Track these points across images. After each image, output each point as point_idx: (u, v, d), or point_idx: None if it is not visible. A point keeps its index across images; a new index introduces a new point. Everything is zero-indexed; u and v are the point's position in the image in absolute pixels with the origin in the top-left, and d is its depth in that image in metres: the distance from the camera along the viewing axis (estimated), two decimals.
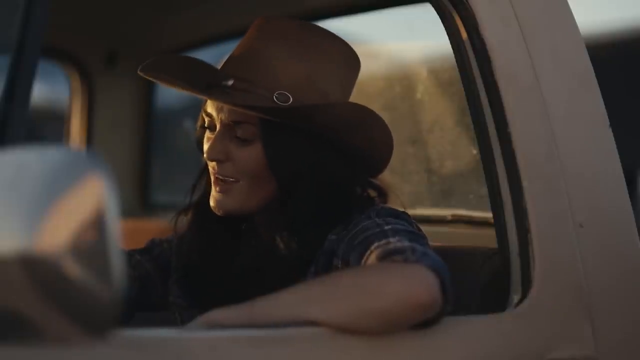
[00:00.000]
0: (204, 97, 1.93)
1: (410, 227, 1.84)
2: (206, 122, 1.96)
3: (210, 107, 1.94)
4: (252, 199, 1.93)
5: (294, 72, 1.92)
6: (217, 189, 1.93)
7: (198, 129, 2.03)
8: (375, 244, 1.77)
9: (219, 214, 1.94)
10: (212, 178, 1.94)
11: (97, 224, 1.27)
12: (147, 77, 1.95)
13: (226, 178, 1.92)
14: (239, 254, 1.98)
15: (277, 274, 1.89)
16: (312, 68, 1.93)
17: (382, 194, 2.00)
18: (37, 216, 1.25)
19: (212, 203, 1.94)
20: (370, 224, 1.83)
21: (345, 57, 1.98)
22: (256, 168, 1.91)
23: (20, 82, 1.51)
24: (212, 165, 1.94)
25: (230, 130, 1.92)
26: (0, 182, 1.28)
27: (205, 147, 1.95)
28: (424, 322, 1.68)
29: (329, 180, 1.91)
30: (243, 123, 1.91)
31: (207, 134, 1.96)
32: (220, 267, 1.98)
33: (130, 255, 2.10)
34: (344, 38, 2.01)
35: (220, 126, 1.93)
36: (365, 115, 1.91)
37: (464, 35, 1.95)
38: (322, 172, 1.91)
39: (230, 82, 1.91)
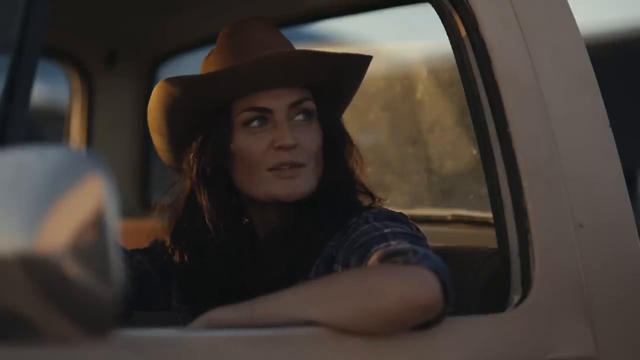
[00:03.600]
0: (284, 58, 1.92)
1: (409, 228, 1.84)
2: (250, 121, 1.93)
3: (264, 99, 1.93)
4: (314, 181, 1.95)
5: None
6: (285, 175, 1.92)
7: (202, 144, 2.01)
8: (375, 247, 1.77)
9: (288, 200, 1.92)
10: (275, 169, 1.92)
11: (97, 224, 1.27)
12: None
13: (298, 163, 1.92)
14: (241, 258, 1.97)
15: (278, 278, 1.89)
16: None
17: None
18: (37, 216, 1.25)
19: (279, 192, 1.92)
20: (369, 228, 1.83)
21: None
22: (318, 146, 1.96)
23: (20, 82, 1.51)
24: (275, 156, 1.92)
25: (291, 114, 1.94)
26: (0, 182, 1.28)
27: (255, 145, 1.92)
28: (425, 323, 1.68)
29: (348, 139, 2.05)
30: (305, 100, 1.95)
31: (253, 132, 1.93)
32: (223, 273, 1.97)
33: (131, 255, 2.09)
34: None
35: (283, 113, 1.93)
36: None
37: (464, 35, 1.95)
38: (348, 141, 2.03)
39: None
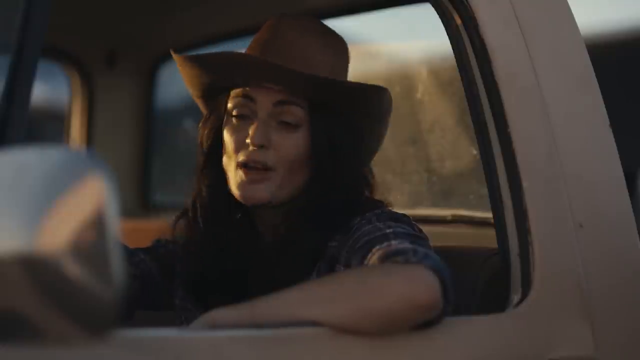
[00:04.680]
0: (265, 65, 1.90)
1: (412, 229, 1.84)
2: (236, 111, 1.94)
3: (254, 90, 1.93)
4: (284, 190, 1.93)
5: (325, 62, 1.97)
6: (249, 177, 1.91)
7: (204, 122, 2.03)
8: (377, 247, 1.77)
9: (247, 204, 1.92)
10: (242, 167, 1.91)
11: (97, 224, 1.27)
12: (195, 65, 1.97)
13: (265, 165, 1.90)
14: (244, 257, 1.97)
15: (281, 278, 1.89)
16: (335, 60, 2.00)
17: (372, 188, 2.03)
18: (37, 216, 1.25)
19: (239, 192, 1.91)
20: (372, 228, 1.83)
21: (347, 51, 2.05)
22: (297, 156, 1.92)
23: (20, 82, 1.51)
24: (245, 153, 1.91)
25: (275, 114, 1.92)
26: (0, 182, 1.28)
27: (234, 136, 1.93)
28: (425, 322, 1.68)
29: (355, 167, 1.98)
30: (291, 105, 1.92)
31: (237, 122, 1.94)
32: (224, 270, 1.98)
33: (134, 253, 2.09)
34: (344, 38, 2.03)
35: (266, 110, 1.92)
36: (386, 96, 1.99)
37: (464, 35, 1.95)
38: (352, 158, 1.97)
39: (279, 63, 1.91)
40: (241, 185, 1.92)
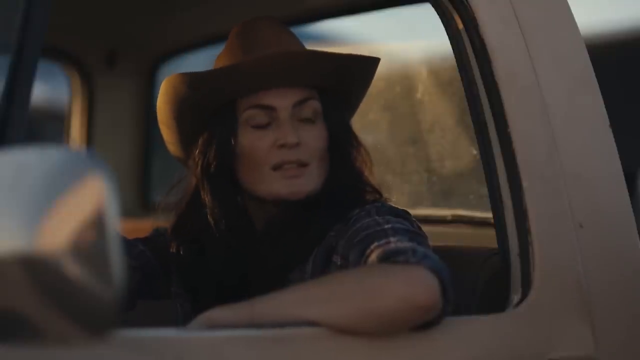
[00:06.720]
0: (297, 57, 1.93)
1: (411, 226, 1.84)
2: (256, 121, 1.94)
3: (269, 97, 1.94)
4: (319, 181, 1.95)
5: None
6: (289, 174, 1.92)
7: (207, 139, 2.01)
8: (375, 244, 1.77)
9: (291, 199, 1.92)
10: (277, 168, 1.92)
11: (97, 224, 1.27)
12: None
13: (300, 162, 1.92)
14: (239, 253, 1.98)
15: (275, 268, 1.90)
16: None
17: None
18: (37, 216, 1.25)
19: (284, 190, 1.92)
20: (371, 222, 1.83)
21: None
22: (322, 148, 1.96)
23: (20, 82, 1.52)
24: (278, 155, 1.92)
25: (295, 114, 1.94)
26: (0, 182, 1.28)
27: (259, 143, 1.93)
28: (425, 323, 1.68)
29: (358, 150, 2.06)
30: (309, 100, 1.95)
31: (258, 130, 1.94)
32: (220, 265, 1.98)
33: (133, 245, 2.09)
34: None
35: (287, 112, 1.94)
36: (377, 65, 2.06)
37: (464, 35, 1.95)
38: (356, 142, 2.04)
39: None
40: (283, 184, 1.92)
